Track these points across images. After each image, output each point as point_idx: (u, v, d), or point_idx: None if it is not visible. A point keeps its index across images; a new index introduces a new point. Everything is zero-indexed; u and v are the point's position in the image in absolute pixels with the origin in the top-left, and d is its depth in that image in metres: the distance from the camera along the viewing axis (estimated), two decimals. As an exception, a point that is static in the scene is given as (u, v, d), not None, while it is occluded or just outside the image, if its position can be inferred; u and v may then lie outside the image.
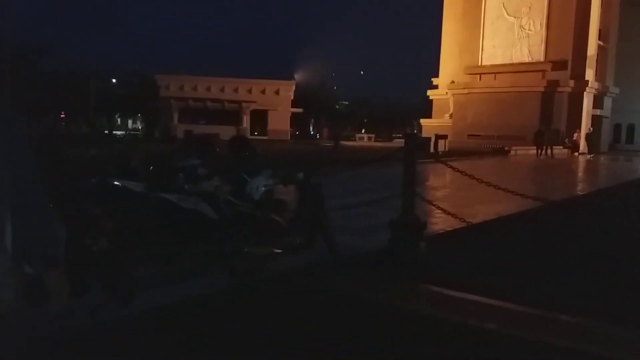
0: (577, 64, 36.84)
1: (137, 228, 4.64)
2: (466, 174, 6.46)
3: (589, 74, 37.57)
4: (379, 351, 3.52)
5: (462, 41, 40.98)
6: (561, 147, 32.74)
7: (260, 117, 52.63)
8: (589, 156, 31.47)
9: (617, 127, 47.31)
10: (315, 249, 5.51)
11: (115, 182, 4.74)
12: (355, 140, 52.97)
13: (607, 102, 41.38)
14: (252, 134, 47.83)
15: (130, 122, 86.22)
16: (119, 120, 79.21)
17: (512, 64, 38.53)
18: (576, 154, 32.65)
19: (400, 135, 52.47)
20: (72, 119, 60.81)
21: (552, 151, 29.74)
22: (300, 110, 55.83)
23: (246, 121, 51.56)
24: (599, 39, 39.19)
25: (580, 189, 15.87)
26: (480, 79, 39.86)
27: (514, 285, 4.89)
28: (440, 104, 43.68)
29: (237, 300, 4.45)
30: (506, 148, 30.67)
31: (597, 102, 39.50)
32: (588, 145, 33.65)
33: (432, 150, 26.46)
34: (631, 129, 48.75)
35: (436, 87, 44.71)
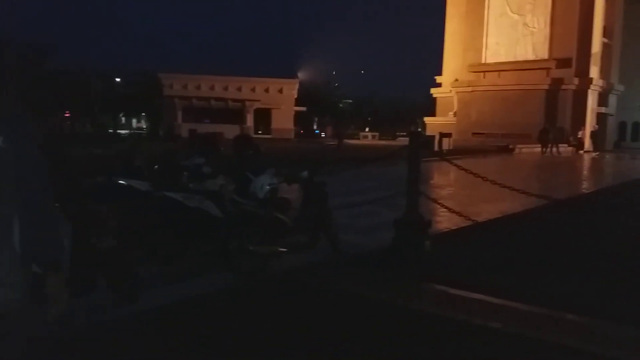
0: (581, 62, 36.70)
1: (142, 227, 4.66)
2: (471, 172, 6.45)
3: (594, 72, 37.42)
4: (383, 350, 3.52)
5: (466, 39, 40.88)
6: (566, 145, 32.63)
7: (263, 116, 52.67)
8: (594, 154, 31.35)
9: (622, 125, 47.04)
10: (319, 247, 5.52)
11: (121, 181, 4.75)
12: (359, 138, 52.90)
13: (612, 99, 41.20)
14: (255, 132, 47.86)
15: (134, 121, 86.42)
16: (123, 119, 79.40)
17: (516, 62, 38.42)
18: (581, 152, 32.53)
19: (405, 133, 52.38)
20: (77, 118, 61.00)
21: (557, 149, 29.64)
22: (303, 108, 55.82)
23: (250, 120, 51.60)
24: (604, 36, 39.01)
25: (585, 187, 15.81)
26: (484, 77, 39.77)
27: (519, 283, 4.88)
28: (444, 102, 43.60)
29: (241, 299, 4.46)
30: (511, 146, 30.58)
31: (602, 100, 39.34)
32: (593, 143, 33.48)
33: (436, 148, 26.40)
34: (636, 126, 48.47)
35: (440, 85, 44.63)
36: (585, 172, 21.58)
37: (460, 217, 7.33)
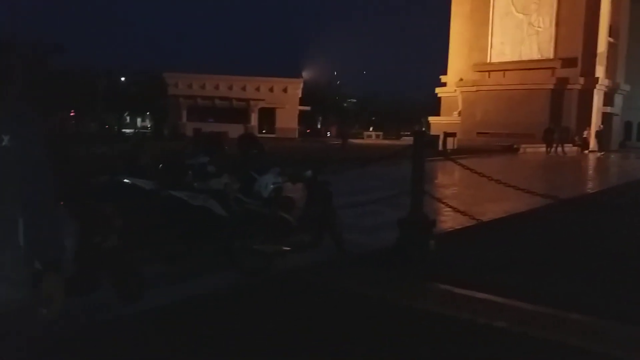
0: (587, 61, 36.53)
1: (146, 225, 4.67)
2: (475, 172, 6.43)
3: (599, 71, 37.24)
4: (387, 349, 3.52)
5: (471, 38, 40.77)
6: (571, 145, 32.50)
7: (268, 115, 52.67)
8: (599, 154, 31.21)
9: (627, 125, 46.83)
10: (323, 247, 5.51)
11: (125, 180, 4.77)
12: (363, 138, 52.83)
13: (618, 99, 41.00)
14: (260, 132, 47.86)
15: (139, 120, 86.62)
16: (128, 118, 79.59)
17: (521, 61, 38.28)
18: (586, 151, 32.39)
19: (409, 133, 52.27)
20: (81, 117, 61.21)
21: (562, 149, 29.55)
22: (308, 108, 55.81)
23: (254, 119, 51.61)
24: (610, 36, 38.82)
25: (590, 187, 15.75)
26: (489, 77, 39.65)
27: (524, 283, 4.86)
28: (448, 101, 43.50)
29: (245, 298, 4.46)
30: (515, 146, 30.49)
31: (608, 100, 39.15)
32: (598, 143, 33.33)
33: (440, 148, 26.34)
34: (642, 126, 48.27)
35: (444, 84, 44.52)
36: (590, 172, 21.50)
37: (464, 217, 7.32)
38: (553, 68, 37.08)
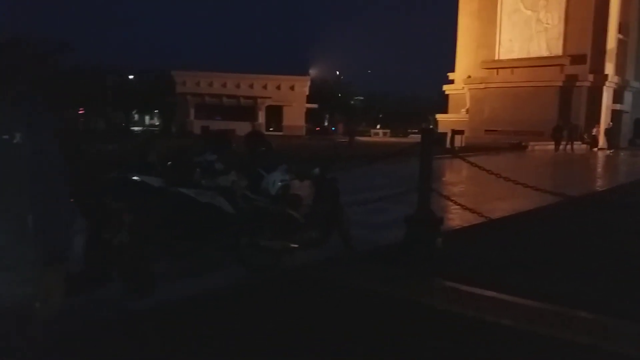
0: (596, 58, 36.25)
1: (155, 222, 4.70)
2: (484, 169, 6.42)
3: (609, 68, 36.94)
4: (394, 345, 3.53)
5: (479, 35, 40.56)
6: (580, 142, 32.29)
7: (275, 113, 52.72)
8: (608, 152, 30.97)
9: (637, 122, 46.38)
10: (330, 243, 5.53)
11: (134, 177, 4.80)
12: (370, 135, 52.72)
13: (628, 96, 40.64)
14: (267, 129, 47.92)
15: (147, 118, 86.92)
16: (136, 116, 79.89)
17: (529, 58, 38.04)
18: (595, 149, 32.16)
19: (416, 130, 52.07)
20: (90, 115, 61.52)
21: (572, 146, 29.35)
22: (315, 105, 55.79)
23: (262, 117, 51.70)
24: (619, 33, 38.47)
25: (599, 185, 15.65)
26: (497, 74, 39.45)
27: (531, 281, 4.86)
28: (456, 99, 43.32)
29: (252, 294, 4.49)
30: (524, 143, 30.33)
31: (617, 97, 38.83)
32: (607, 141, 33.04)
33: (448, 145, 26.27)
34: (652, 124, 47.79)
35: (452, 82, 44.32)
36: (599, 170, 21.35)
37: (472, 214, 7.30)
38: (562, 65, 36.82)
